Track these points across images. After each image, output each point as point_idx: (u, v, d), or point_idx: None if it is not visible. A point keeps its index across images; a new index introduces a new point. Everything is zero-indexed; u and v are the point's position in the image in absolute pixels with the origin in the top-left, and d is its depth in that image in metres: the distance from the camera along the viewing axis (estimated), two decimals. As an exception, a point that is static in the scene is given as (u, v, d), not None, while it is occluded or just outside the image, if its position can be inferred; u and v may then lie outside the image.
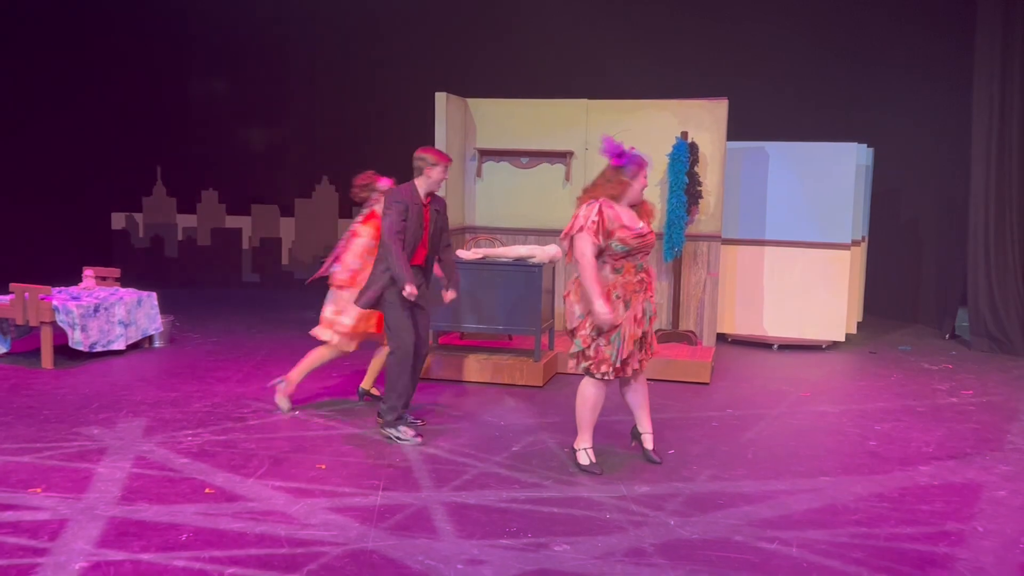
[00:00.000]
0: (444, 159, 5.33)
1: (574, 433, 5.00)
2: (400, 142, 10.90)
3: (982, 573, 3.68)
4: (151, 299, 7.83)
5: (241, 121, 12.32)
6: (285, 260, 12.44)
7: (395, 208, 5.23)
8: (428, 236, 5.38)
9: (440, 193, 6.67)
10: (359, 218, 5.92)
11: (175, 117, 12.31)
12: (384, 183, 5.89)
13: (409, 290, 5.11)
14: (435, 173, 5.29)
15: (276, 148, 12.30)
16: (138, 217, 12.64)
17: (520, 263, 6.78)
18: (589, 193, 4.66)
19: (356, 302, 5.41)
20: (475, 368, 6.82)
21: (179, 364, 7.26)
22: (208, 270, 12.44)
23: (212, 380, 6.71)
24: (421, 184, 5.31)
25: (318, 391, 6.45)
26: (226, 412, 5.83)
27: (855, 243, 8.72)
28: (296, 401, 6.11)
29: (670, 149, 7.59)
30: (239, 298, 11.11)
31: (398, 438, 5.28)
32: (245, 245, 12.48)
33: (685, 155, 7.50)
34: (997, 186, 8.34)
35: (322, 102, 12.05)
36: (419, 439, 5.28)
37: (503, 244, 7.70)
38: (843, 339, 8.55)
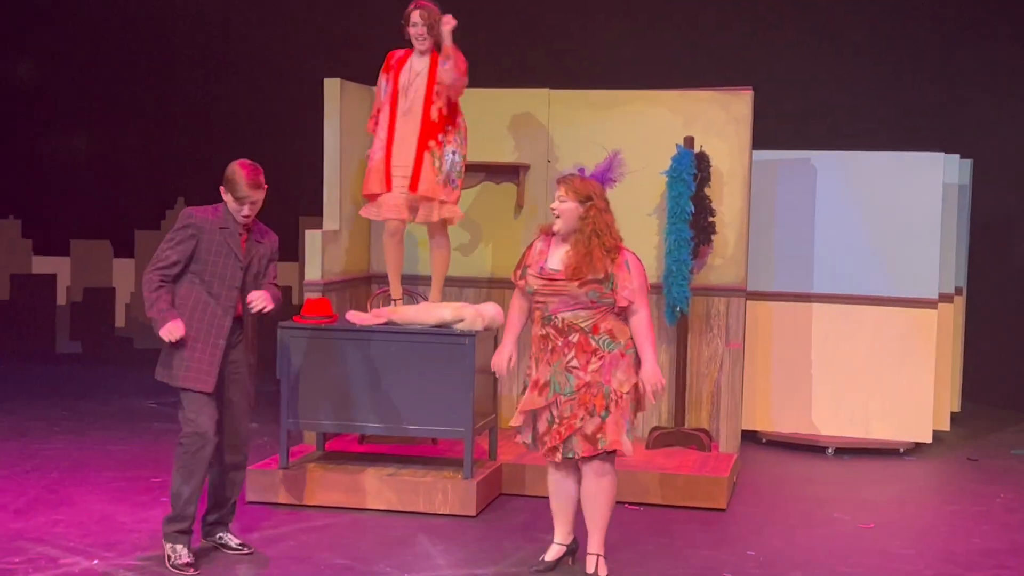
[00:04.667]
0: (247, 180, 5.45)
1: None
2: (286, 147, 10.98)
3: None
4: None
5: (57, 122, 12.21)
6: (120, 321, 12.33)
7: (176, 236, 5.49)
8: (246, 276, 5.60)
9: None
10: None
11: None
12: None
13: (166, 330, 5.37)
14: (229, 201, 5.48)
15: (108, 160, 12.19)
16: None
17: (442, 331, 6.67)
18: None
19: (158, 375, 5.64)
20: (373, 488, 6.66)
21: (-69, 485, 7.03)
22: (5, 337, 12.24)
23: (-23, 510, 6.48)
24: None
25: (131, 527, 6.21)
26: (-13, 561, 5.60)
27: (946, 297, 8.70)
28: (99, 543, 5.88)
29: (668, 163, 7.56)
30: (47, 379, 10.92)
31: (169, 557, 5.50)
32: (61, 299, 12.37)
33: (690, 171, 7.48)
34: None
35: (174, 94, 12.00)
36: (191, 570, 5.43)
37: (425, 300, 7.56)
38: (929, 439, 8.50)
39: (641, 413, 5.50)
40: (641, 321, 5.26)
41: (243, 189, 5.43)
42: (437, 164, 6.95)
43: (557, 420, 5.26)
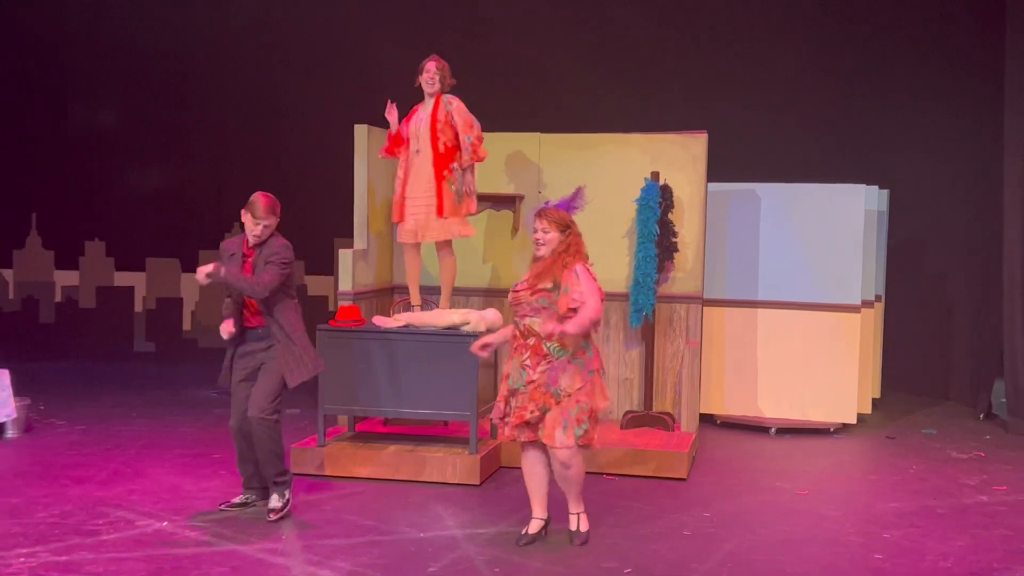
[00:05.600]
0: (264, 205, 5.51)
1: (508, 544, 5.35)
2: (323, 180, 10.97)
3: None
4: (1, 378, 7.54)
5: (134, 158, 12.14)
6: (187, 326, 12.24)
7: None
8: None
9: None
10: None
11: (53, 154, 12.11)
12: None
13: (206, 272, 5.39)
14: (248, 220, 5.55)
15: (176, 190, 12.13)
16: (7, 274, 12.39)
17: (451, 332, 6.65)
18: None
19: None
20: (394, 462, 6.62)
21: (29, 460, 6.98)
22: (92, 338, 12.18)
23: (67, 481, 6.45)
24: None
25: (195, 495, 6.17)
26: (76, 524, 5.57)
27: (868, 304, 8.67)
28: (168, 508, 5.86)
29: (638, 193, 7.53)
30: (127, 373, 10.84)
31: None
32: (138, 307, 12.29)
33: (656, 200, 7.46)
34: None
35: (231, 136, 11.94)
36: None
37: (438, 307, 7.53)
38: (854, 421, 8.46)
39: (602, 411, 5.26)
40: (585, 309, 5.07)
41: (260, 212, 5.51)
42: (454, 188, 6.94)
43: (514, 409, 5.18)
